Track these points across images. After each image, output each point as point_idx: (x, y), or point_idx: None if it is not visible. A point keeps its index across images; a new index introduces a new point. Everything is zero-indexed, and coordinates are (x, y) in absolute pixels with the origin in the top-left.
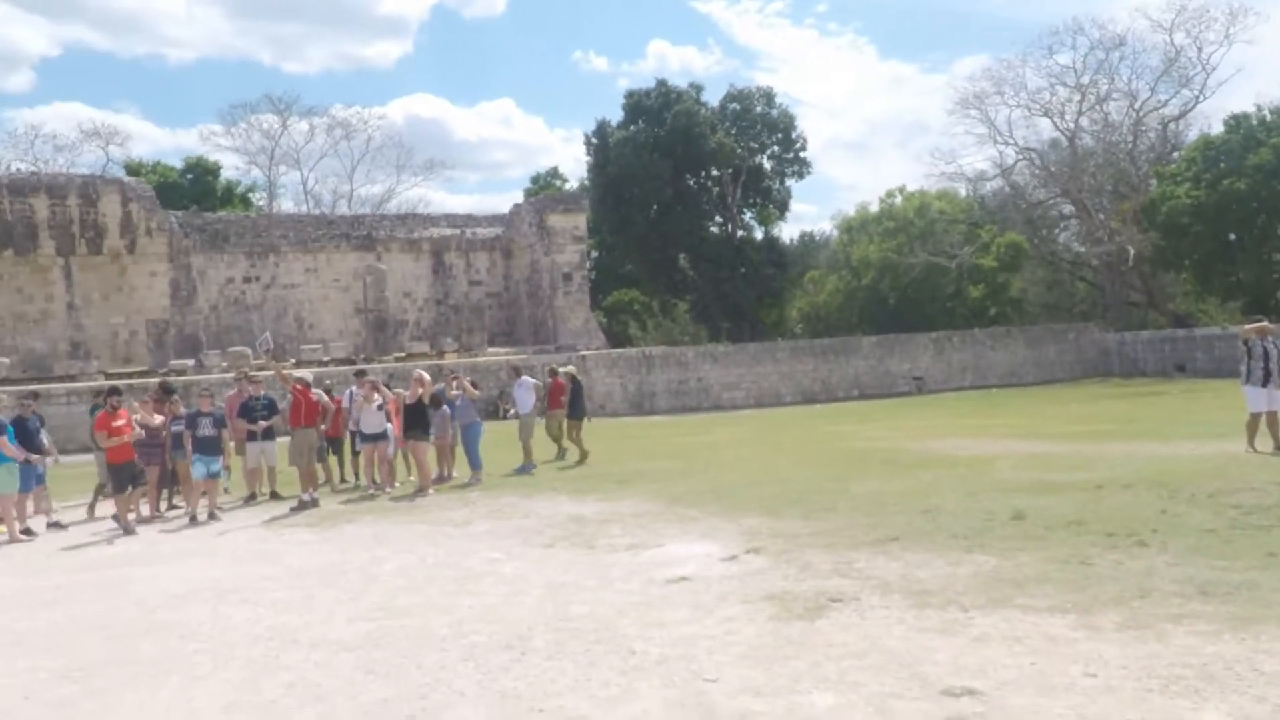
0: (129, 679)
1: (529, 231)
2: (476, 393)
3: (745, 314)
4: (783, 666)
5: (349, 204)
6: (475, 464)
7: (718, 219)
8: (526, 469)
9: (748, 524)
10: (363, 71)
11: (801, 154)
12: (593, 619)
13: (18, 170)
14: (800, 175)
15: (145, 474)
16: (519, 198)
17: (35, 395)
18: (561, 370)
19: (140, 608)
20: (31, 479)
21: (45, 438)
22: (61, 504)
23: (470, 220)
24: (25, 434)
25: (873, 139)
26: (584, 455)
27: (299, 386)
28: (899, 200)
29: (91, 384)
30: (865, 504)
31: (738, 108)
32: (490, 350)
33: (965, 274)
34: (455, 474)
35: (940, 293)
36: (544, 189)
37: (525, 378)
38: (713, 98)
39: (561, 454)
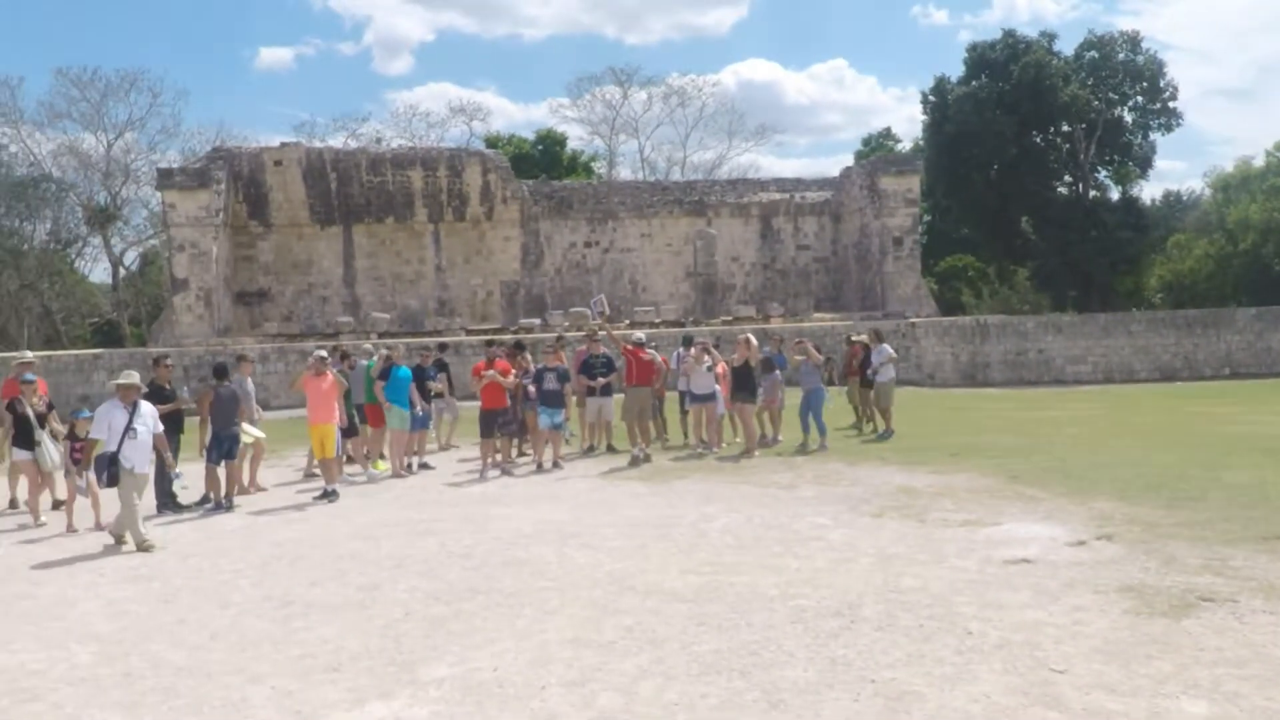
0: (490, 606)
1: (859, 195)
2: (820, 357)
3: (1094, 281)
4: (1143, 666)
5: (681, 170)
6: (820, 429)
7: (1066, 178)
8: (886, 435)
9: (1098, 508)
10: (699, 39)
11: (1170, 104)
12: (925, 594)
13: (399, 145)
14: (1167, 128)
15: (511, 423)
16: (848, 161)
17: (444, 346)
18: (855, 337)
19: (497, 543)
20: (419, 421)
21: (439, 384)
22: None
23: (799, 184)
24: (420, 380)
25: (1262, 84)
26: (876, 422)
27: (629, 347)
28: None
29: (455, 339)
30: (1242, 495)
31: (1095, 56)
32: (816, 315)
33: None
34: (781, 438)
35: None
36: (875, 151)
37: (885, 345)
38: (1067, 46)
39: (860, 423)
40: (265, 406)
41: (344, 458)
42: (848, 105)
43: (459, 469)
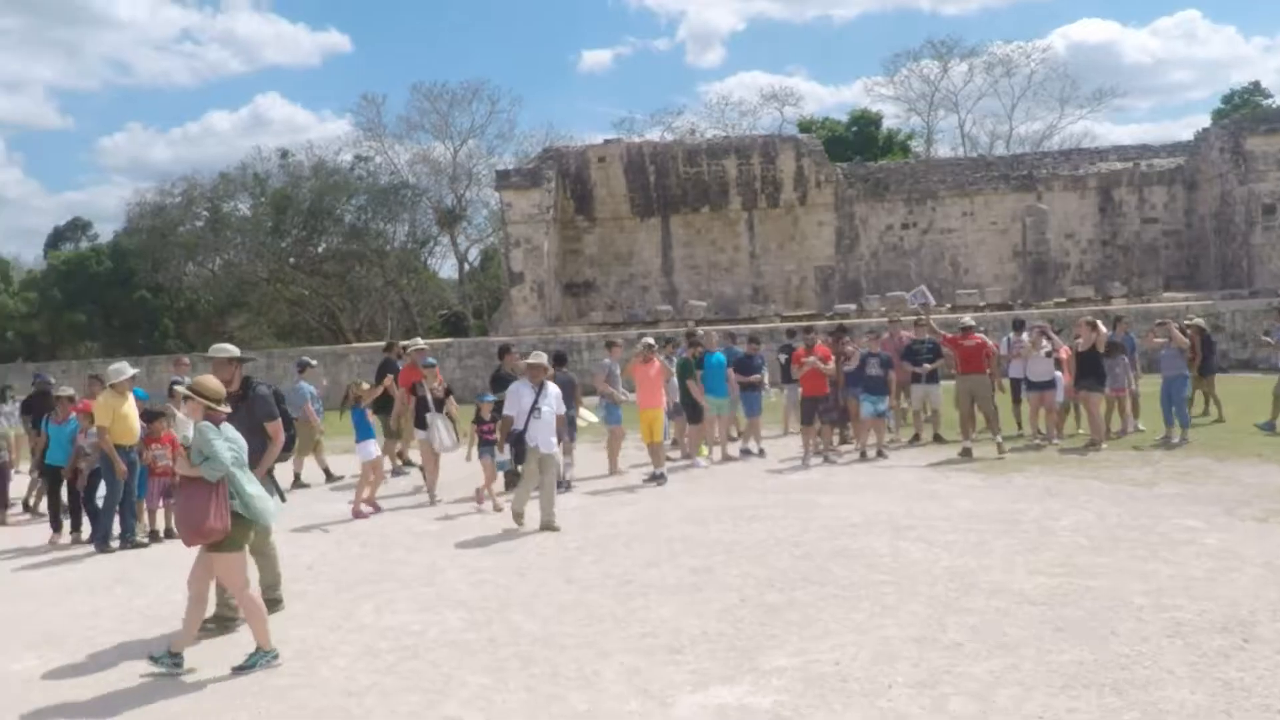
0: (825, 597)
1: (1218, 159)
2: (1185, 340)
3: None
4: None
5: (1006, 144)
6: (1183, 421)
7: None
8: (1268, 426)
9: None
10: (1024, 4)
11: None
12: None
13: (713, 136)
14: None
15: (832, 410)
16: (1201, 122)
17: (790, 338)
18: (1190, 323)
19: (825, 531)
20: (755, 407)
21: (765, 374)
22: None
23: (1144, 151)
24: (748, 369)
25: None
26: (1220, 414)
27: (949, 336)
28: None
29: (769, 325)
30: None
31: None
32: (1165, 295)
33: None
34: (1137, 428)
35: None
36: (1239, 109)
37: None
38: None
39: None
40: (591, 392)
41: (669, 442)
42: (1200, 60)
43: (783, 455)
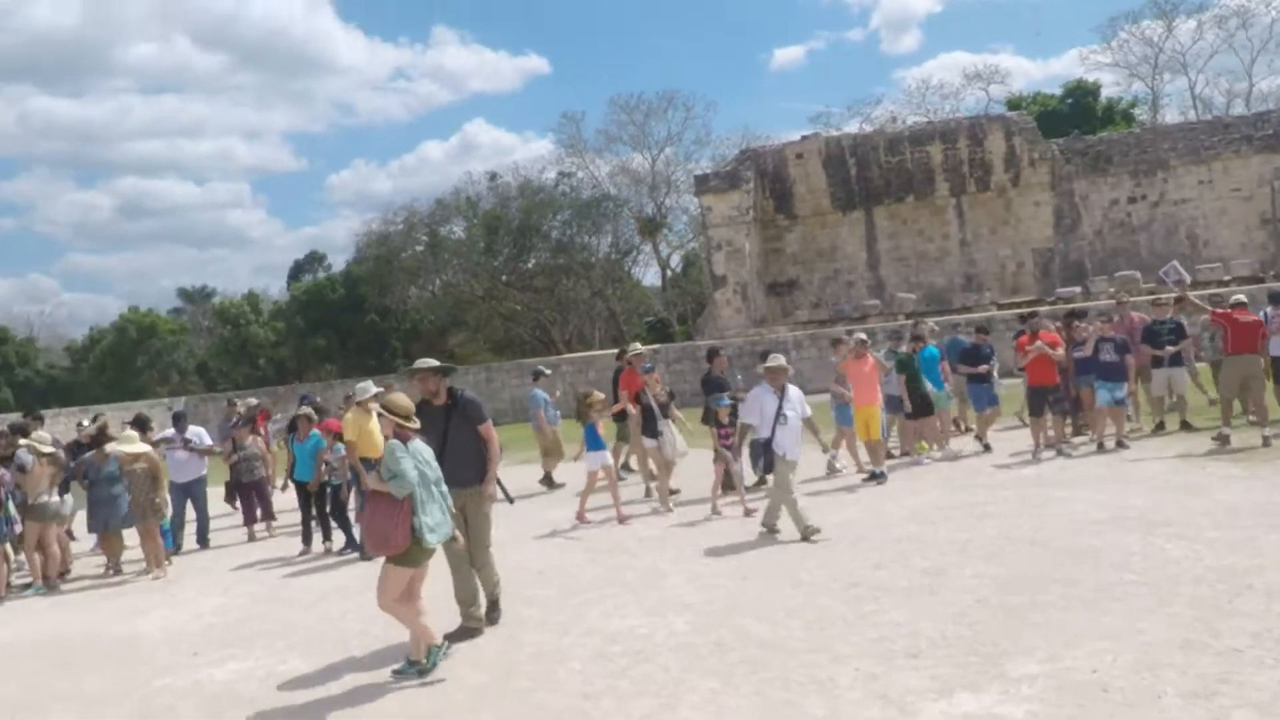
0: (1070, 599)
1: None
2: None
3: None
4: None
5: (1246, 103)
6: None
7: None
8: None
9: None
10: None
11: None
12: None
13: (914, 122)
14: None
15: (1063, 400)
16: None
17: (984, 330)
18: None
19: (1064, 528)
20: (984, 400)
21: (995, 364)
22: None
23: None
24: (977, 359)
25: None
26: None
27: (1220, 312)
28: None
29: (985, 314)
30: None
31: None
32: None
33: None
34: None
35: None
36: None
37: None
38: None
39: None
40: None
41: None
42: None
43: (1011, 449)
